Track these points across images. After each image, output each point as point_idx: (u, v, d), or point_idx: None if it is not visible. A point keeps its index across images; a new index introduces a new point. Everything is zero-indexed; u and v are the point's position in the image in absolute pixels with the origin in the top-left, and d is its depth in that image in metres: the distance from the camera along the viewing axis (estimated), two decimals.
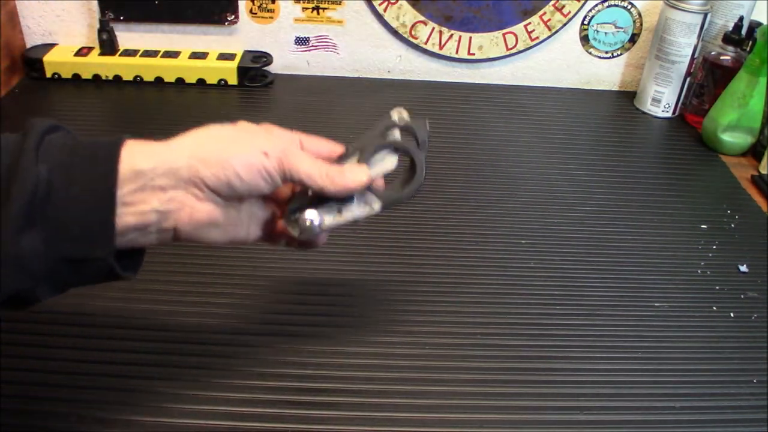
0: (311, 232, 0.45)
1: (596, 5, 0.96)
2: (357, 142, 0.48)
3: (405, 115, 0.48)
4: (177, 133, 0.42)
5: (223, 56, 0.94)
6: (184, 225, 0.41)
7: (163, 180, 0.39)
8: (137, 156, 0.39)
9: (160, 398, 0.50)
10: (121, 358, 0.53)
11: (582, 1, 0.96)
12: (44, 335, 0.54)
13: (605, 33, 0.99)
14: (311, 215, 0.45)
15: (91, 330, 0.55)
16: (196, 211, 0.41)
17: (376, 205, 0.47)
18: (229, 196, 0.42)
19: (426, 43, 0.98)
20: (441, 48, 0.98)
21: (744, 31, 0.89)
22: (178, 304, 0.58)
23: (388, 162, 0.47)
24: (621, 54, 1.01)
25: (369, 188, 0.47)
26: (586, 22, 0.98)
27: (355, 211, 0.46)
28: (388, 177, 0.48)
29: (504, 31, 0.97)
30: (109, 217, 0.38)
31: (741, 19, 0.88)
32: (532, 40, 0.98)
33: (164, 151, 0.40)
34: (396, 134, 0.48)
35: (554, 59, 1.01)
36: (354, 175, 0.45)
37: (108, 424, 0.48)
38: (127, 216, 0.38)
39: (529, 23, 0.97)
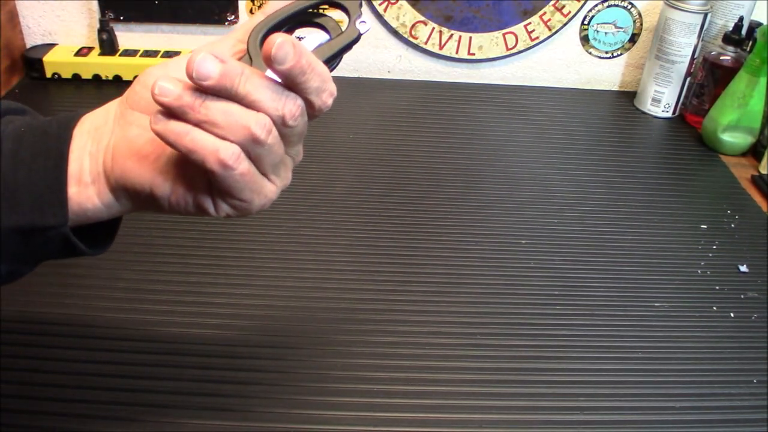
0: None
1: (596, 5, 0.96)
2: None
3: None
4: None
5: None
6: (111, 161, 0.35)
7: (99, 120, 0.36)
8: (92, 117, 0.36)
9: (155, 398, 0.50)
10: (119, 370, 0.53)
11: (582, 1, 0.96)
12: (42, 335, 0.54)
13: (605, 33, 0.99)
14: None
15: (90, 340, 0.55)
16: (120, 138, 0.35)
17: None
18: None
19: (426, 43, 0.98)
20: (441, 48, 0.98)
21: (744, 31, 0.89)
22: (178, 304, 0.58)
23: (316, 37, 0.39)
24: (621, 54, 1.01)
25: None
26: (586, 22, 0.98)
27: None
28: None
29: (504, 31, 0.97)
30: (59, 180, 0.34)
31: (741, 19, 0.88)
32: (532, 40, 0.98)
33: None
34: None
35: (554, 59, 1.01)
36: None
37: None
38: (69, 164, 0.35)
39: (529, 23, 0.97)
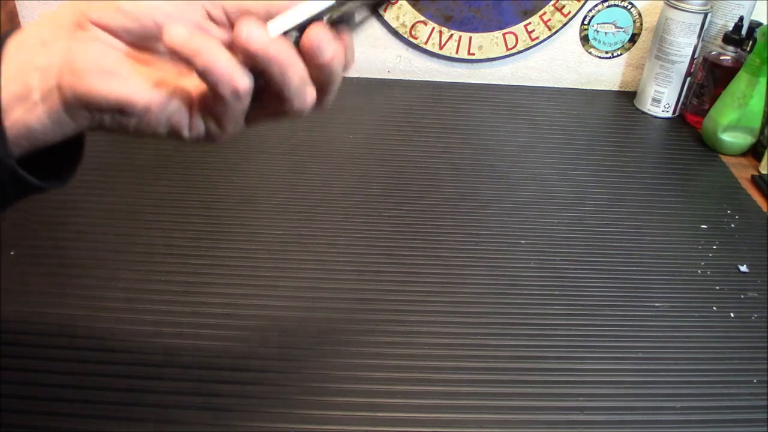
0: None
1: (596, 5, 0.96)
2: None
3: None
4: None
5: None
6: (71, 76, 0.32)
7: (45, 33, 0.33)
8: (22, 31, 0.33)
9: (154, 398, 0.50)
10: (119, 370, 0.53)
11: (582, 1, 0.96)
12: (42, 335, 0.54)
13: (605, 33, 0.99)
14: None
15: (90, 340, 0.55)
16: (82, 53, 0.32)
17: None
18: (128, 36, 0.34)
19: (426, 43, 0.98)
20: (441, 48, 0.98)
21: (744, 31, 0.89)
22: (178, 304, 0.58)
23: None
24: (621, 54, 1.01)
25: None
26: (586, 22, 0.98)
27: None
28: None
29: (504, 31, 0.97)
30: None
31: (741, 19, 0.88)
32: (532, 40, 0.98)
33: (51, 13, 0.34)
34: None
35: (554, 59, 1.01)
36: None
37: None
38: (4, 83, 0.32)
39: (529, 23, 0.97)
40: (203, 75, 0.32)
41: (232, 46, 0.33)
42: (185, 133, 0.35)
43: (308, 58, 0.34)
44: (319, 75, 0.35)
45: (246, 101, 0.33)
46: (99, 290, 0.59)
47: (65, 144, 0.36)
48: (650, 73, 0.95)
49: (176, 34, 0.32)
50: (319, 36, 0.33)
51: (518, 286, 0.63)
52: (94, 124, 0.34)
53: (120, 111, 0.33)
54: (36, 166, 0.35)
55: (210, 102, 0.34)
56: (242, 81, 0.32)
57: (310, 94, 0.35)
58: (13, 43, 0.33)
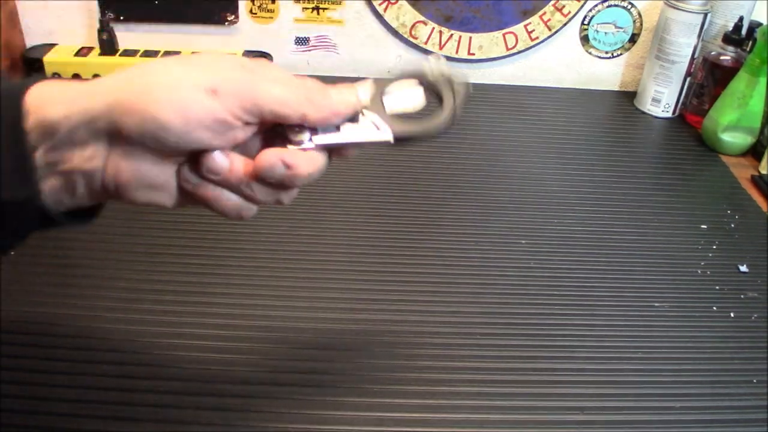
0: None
1: (596, 5, 0.96)
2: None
3: (443, 64, 0.41)
4: None
5: None
6: (112, 184, 0.34)
7: (80, 132, 0.33)
8: (47, 103, 0.32)
9: (156, 398, 0.50)
10: (119, 370, 0.53)
11: (582, 1, 0.96)
12: (42, 335, 0.54)
13: (605, 33, 0.99)
14: (302, 133, 0.37)
15: (90, 340, 0.55)
16: (121, 170, 0.34)
17: (386, 133, 0.39)
18: (163, 151, 0.34)
19: (426, 43, 0.98)
20: (441, 48, 0.98)
21: (744, 31, 0.89)
22: (178, 305, 0.58)
23: (410, 95, 0.40)
24: (621, 54, 1.01)
25: (381, 116, 0.39)
26: (586, 22, 0.98)
27: (357, 131, 0.39)
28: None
29: (504, 31, 0.97)
30: (22, 153, 0.32)
31: (741, 19, 0.88)
32: (532, 40, 0.98)
33: (80, 94, 0.33)
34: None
35: (554, 59, 1.01)
36: (342, 96, 0.37)
37: None
38: (51, 178, 0.33)
39: (529, 23, 0.97)
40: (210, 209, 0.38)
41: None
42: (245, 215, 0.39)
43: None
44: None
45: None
46: (99, 290, 0.59)
47: None
48: (650, 73, 0.95)
49: (186, 180, 0.36)
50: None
51: (518, 286, 0.63)
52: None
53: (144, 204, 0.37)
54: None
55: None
56: (248, 212, 0.39)
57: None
58: (37, 124, 0.33)
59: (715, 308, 0.63)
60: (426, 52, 0.99)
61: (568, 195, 0.77)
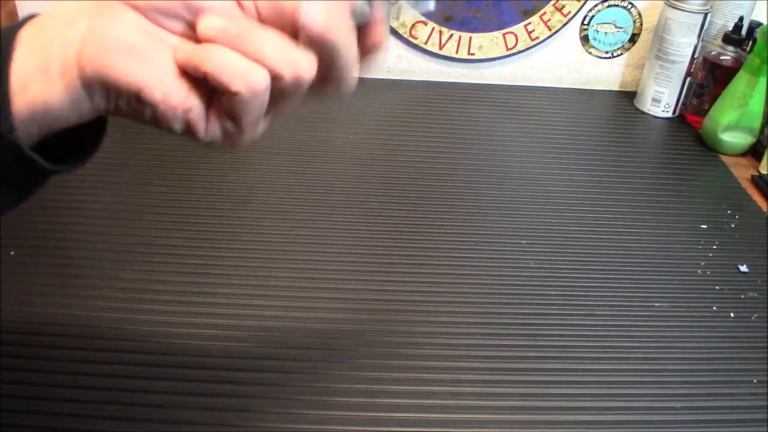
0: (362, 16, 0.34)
1: (596, 5, 0.96)
2: None
3: None
4: None
5: None
6: (92, 53, 0.30)
7: (71, 10, 0.31)
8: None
9: (154, 398, 0.50)
10: (118, 370, 0.53)
11: (582, 1, 0.96)
12: (42, 335, 0.54)
13: (605, 33, 0.99)
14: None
15: (90, 340, 0.55)
16: (105, 29, 0.30)
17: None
18: (158, 17, 0.31)
19: (426, 43, 0.98)
20: (441, 48, 0.98)
21: (744, 31, 0.89)
22: (178, 304, 0.58)
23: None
24: (621, 54, 1.01)
25: None
26: (586, 22, 0.98)
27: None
28: None
29: (504, 31, 0.97)
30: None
31: (741, 19, 0.88)
32: (532, 40, 0.98)
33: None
34: None
35: (554, 59, 1.01)
36: None
37: None
38: (23, 57, 0.30)
39: (529, 23, 0.97)
40: (210, 79, 0.30)
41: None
42: (200, 133, 0.33)
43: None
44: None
45: (265, 98, 0.31)
46: (99, 290, 0.59)
47: (87, 131, 0.35)
48: (650, 73, 0.95)
49: (211, 24, 0.30)
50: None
51: (518, 286, 0.63)
52: (111, 107, 0.32)
53: (137, 96, 0.30)
54: (53, 152, 0.33)
55: (227, 102, 0.31)
56: (257, 76, 0.30)
57: (356, 67, 0.34)
58: (36, 21, 0.32)
59: (715, 308, 0.63)
60: (426, 52, 0.99)
61: (568, 195, 0.77)
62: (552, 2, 0.95)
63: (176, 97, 0.31)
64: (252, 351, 0.54)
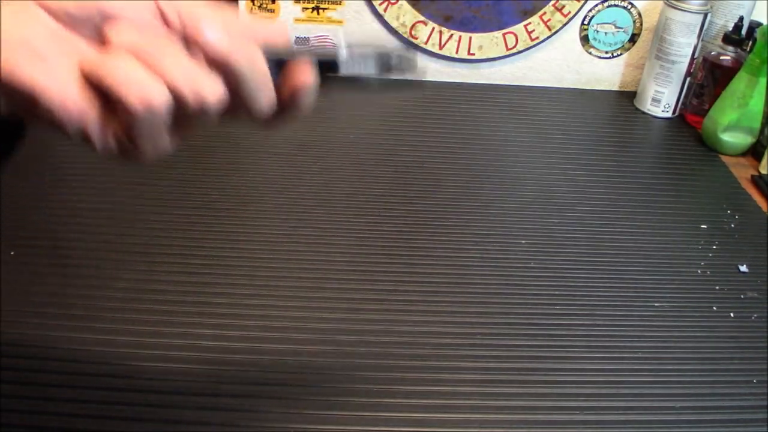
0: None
1: (596, 5, 0.96)
2: None
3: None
4: None
5: None
6: None
7: None
8: None
9: (155, 398, 0.50)
10: (118, 370, 0.53)
11: (582, 1, 0.96)
12: (42, 335, 0.54)
13: (605, 33, 0.99)
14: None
15: (89, 340, 0.55)
16: (11, 26, 0.29)
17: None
18: (68, 20, 0.31)
19: (426, 43, 0.98)
20: (441, 48, 0.98)
21: (744, 31, 0.89)
22: (178, 304, 0.58)
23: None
24: (621, 54, 1.01)
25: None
26: (586, 22, 0.98)
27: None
28: None
29: (504, 31, 0.97)
30: None
31: (741, 19, 0.88)
32: (532, 40, 0.98)
33: None
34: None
35: (554, 59, 1.01)
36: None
37: None
38: None
39: (529, 23, 0.97)
40: (107, 90, 0.30)
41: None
42: (96, 145, 0.32)
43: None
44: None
45: (162, 118, 0.31)
46: (99, 290, 0.59)
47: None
48: (650, 73, 0.95)
49: (120, 35, 0.30)
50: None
51: (518, 286, 0.63)
52: (10, 107, 0.31)
53: (33, 99, 0.29)
54: None
55: (122, 117, 0.31)
56: (154, 92, 0.30)
57: (269, 94, 0.34)
58: None
59: (715, 308, 0.63)
60: (426, 52, 0.99)
61: (568, 195, 0.77)
62: (552, 2, 0.95)
63: (73, 106, 0.30)
64: (252, 351, 0.54)
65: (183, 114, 0.31)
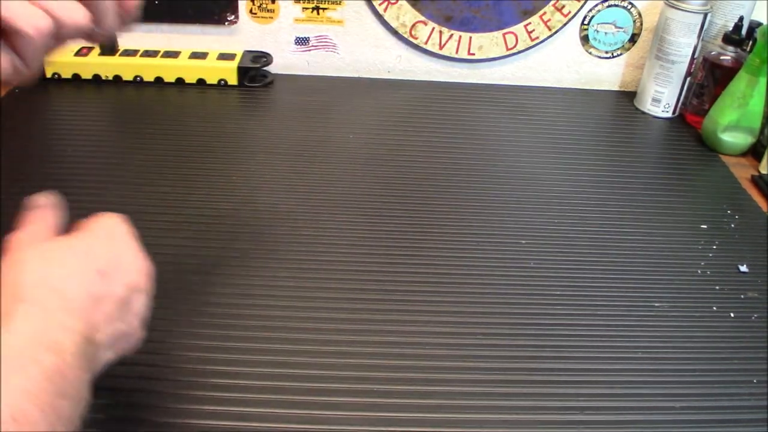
0: None
1: (596, 5, 0.96)
2: None
3: None
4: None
5: (223, 56, 0.94)
6: None
7: None
8: None
9: (158, 398, 0.50)
10: (118, 370, 0.53)
11: (582, 1, 0.96)
12: None
13: (605, 33, 0.99)
14: None
15: None
16: None
17: None
18: None
19: (426, 43, 0.98)
20: (441, 48, 0.98)
21: (744, 31, 0.89)
22: (178, 304, 0.58)
23: None
24: (621, 54, 1.01)
25: None
26: (586, 22, 0.98)
27: None
28: None
29: (504, 31, 0.97)
30: None
31: (741, 19, 0.88)
32: (532, 40, 0.98)
33: None
34: None
35: (554, 59, 1.01)
36: None
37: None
38: None
39: (529, 23, 0.97)
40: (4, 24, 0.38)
41: None
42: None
43: None
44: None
45: (49, 39, 0.41)
46: None
47: None
48: (650, 73, 0.95)
49: None
50: None
51: (518, 286, 0.63)
52: None
53: None
54: None
55: (17, 41, 0.40)
56: (41, 21, 0.40)
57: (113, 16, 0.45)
58: None
59: (715, 308, 0.63)
60: (426, 52, 0.99)
61: (568, 195, 0.77)
62: (552, 2, 0.95)
63: None
64: (253, 351, 0.54)
65: (60, 35, 0.42)
